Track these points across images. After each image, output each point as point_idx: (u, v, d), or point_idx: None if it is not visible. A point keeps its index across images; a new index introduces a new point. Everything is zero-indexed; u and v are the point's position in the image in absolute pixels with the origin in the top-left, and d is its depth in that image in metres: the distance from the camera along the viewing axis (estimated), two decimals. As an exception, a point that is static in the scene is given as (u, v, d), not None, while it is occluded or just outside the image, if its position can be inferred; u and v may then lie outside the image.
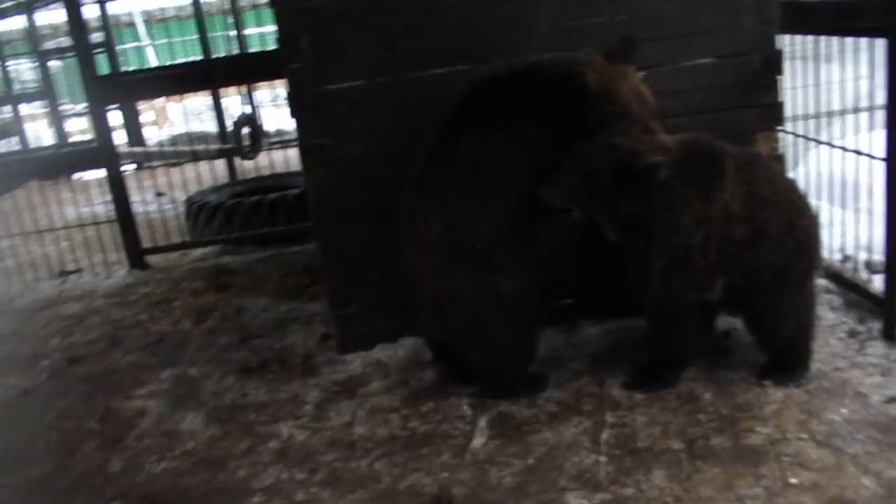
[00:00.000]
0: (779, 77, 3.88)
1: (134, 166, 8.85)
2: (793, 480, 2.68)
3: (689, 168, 3.05)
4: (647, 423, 3.13)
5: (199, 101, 7.33)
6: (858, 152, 3.87)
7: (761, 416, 3.07)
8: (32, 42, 10.46)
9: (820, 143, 4.38)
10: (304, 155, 3.95)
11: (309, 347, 4.26)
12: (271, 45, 11.12)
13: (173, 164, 7.33)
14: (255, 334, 4.55)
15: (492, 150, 3.26)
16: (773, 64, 3.85)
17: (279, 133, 8.85)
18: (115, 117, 7.77)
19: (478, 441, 3.19)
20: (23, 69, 11.60)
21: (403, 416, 3.44)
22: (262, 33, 13.19)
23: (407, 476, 3.01)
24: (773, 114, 3.93)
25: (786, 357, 3.31)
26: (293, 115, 3.92)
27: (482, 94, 3.33)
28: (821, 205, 3.98)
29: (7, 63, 10.41)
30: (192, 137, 7.75)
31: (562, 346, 3.87)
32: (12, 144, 10.07)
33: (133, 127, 9.93)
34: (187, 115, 7.22)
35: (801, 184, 3.51)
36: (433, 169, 3.35)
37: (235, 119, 7.65)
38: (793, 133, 4.38)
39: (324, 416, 3.54)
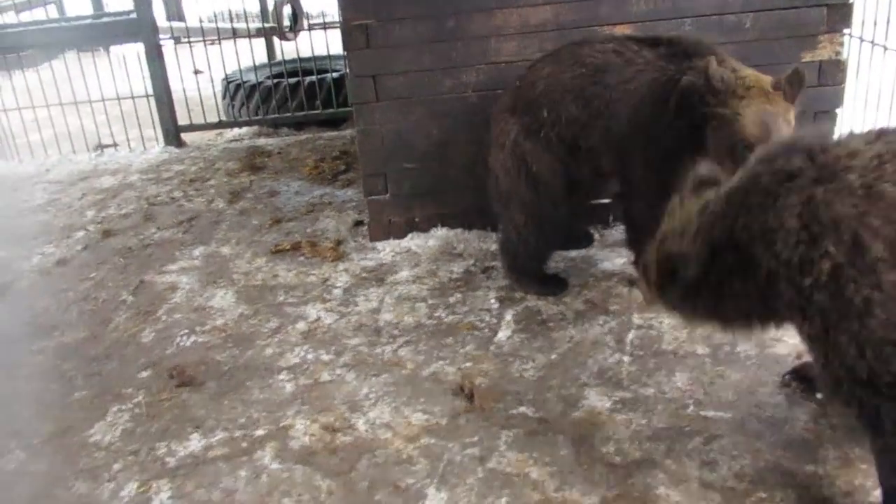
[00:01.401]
0: (851, -26, 3.64)
1: (172, 41, 8.71)
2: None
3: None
4: (674, 327, 3.09)
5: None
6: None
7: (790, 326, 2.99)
8: None
9: (887, 49, 4.13)
10: (347, 35, 3.82)
11: (341, 233, 4.26)
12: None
13: (212, 42, 7.17)
14: (287, 217, 4.56)
15: None
16: (846, -40, 3.60)
17: (321, 15, 8.59)
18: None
19: (503, 334, 3.19)
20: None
21: (431, 306, 3.45)
22: None
23: (430, 364, 3.04)
24: (840, 15, 3.69)
25: None
26: (336, -10, 3.77)
27: None
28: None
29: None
30: (232, 15, 7.54)
31: (595, 245, 3.83)
32: (50, 12, 9.92)
33: (172, 0, 9.75)
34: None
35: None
36: None
37: (277, -2, 7.45)
38: (860, 38, 4.13)
39: (352, 301, 3.56)
